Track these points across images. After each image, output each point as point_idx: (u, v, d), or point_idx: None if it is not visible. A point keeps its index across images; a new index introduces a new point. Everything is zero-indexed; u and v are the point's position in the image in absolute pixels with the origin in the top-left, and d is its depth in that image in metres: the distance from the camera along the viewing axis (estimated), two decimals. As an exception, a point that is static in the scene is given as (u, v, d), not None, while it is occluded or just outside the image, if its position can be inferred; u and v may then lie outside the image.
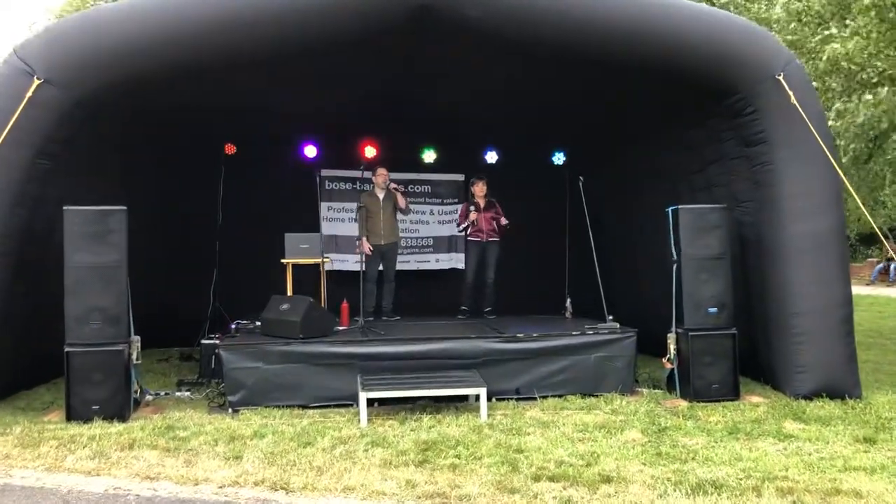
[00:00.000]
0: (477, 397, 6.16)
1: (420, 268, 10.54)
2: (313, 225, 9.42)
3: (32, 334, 6.52)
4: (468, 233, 9.15)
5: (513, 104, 8.48)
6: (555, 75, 7.27)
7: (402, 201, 8.85)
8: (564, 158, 10.14)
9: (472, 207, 9.02)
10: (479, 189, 9.08)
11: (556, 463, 4.81)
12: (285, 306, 6.75)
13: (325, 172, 10.05)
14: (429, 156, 10.05)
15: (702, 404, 6.49)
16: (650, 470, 4.71)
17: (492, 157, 10.11)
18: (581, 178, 8.07)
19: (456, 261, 10.61)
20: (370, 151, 9.59)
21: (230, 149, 9.28)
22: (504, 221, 9.03)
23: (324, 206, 10.09)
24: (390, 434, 5.51)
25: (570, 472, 4.62)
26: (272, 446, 5.19)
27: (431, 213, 10.62)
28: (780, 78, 6.58)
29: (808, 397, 6.49)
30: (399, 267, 9.59)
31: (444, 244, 10.66)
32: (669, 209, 6.95)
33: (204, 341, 7.69)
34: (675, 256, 6.88)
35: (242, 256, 9.58)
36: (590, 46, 6.40)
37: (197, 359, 8.06)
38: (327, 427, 5.74)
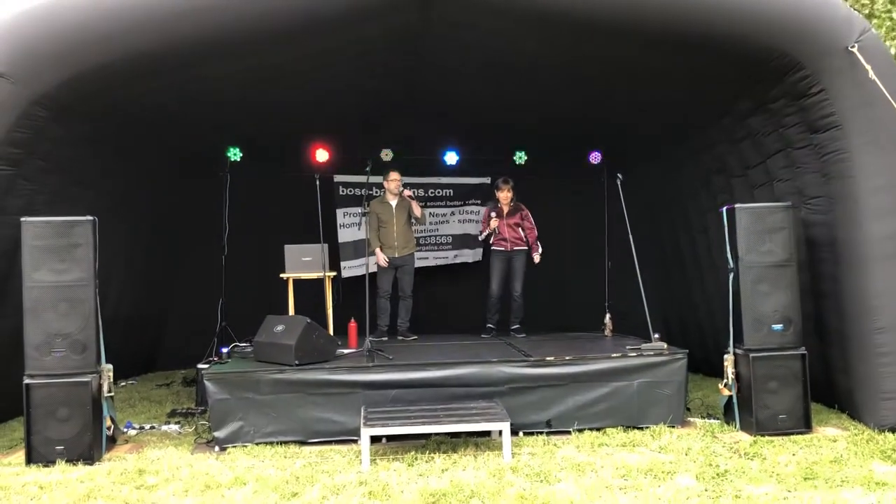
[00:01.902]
0: (500, 432, 5.25)
1: (438, 263, 9.80)
2: (327, 233, 8.67)
3: (6, 360, 5.82)
4: (491, 241, 8.22)
5: (542, 97, 7.57)
6: (588, 56, 6.34)
7: (416, 210, 7.98)
8: (602, 158, 9.16)
9: (493, 213, 8.11)
10: (504, 196, 8.15)
11: (592, 524, 3.88)
12: (280, 328, 5.94)
13: (338, 178, 9.31)
14: (451, 157, 9.17)
15: (767, 439, 5.51)
16: (710, 534, 3.75)
17: (520, 157, 9.20)
18: (619, 175, 7.11)
19: (473, 255, 9.86)
20: (385, 154, 8.76)
21: (233, 154, 8.52)
22: (533, 238, 8.18)
23: (340, 212, 9.40)
24: (394, 481, 4.63)
25: (608, 538, 3.69)
26: (250, 499, 4.35)
27: (452, 213, 9.84)
28: (854, 49, 5.56)
29: (897, 430, 5.47)
30: (418, 264, 8.75)
31: (464, 241, 9.89)
32: (724, 209, 5.98)
33: (200, 366, 6.94)
34: (731, 264, 5.92)
35: (253, 269, 8.86)
36: (624, 11, 5.46)
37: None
38: (322, 471, 4.89)
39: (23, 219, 5.24)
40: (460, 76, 7.24)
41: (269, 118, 7.72)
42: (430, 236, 9.73)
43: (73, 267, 5.25)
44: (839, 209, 5.82)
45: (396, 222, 7.90)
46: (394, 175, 8.01)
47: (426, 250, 9.66)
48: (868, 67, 5.48)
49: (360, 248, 9.31)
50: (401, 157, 8.90)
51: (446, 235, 9.87)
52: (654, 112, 7.42)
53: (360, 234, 9.25)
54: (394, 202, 7.98)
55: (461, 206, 9.82)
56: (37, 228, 5.22)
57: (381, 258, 7.85)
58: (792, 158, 6.27)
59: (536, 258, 8.17)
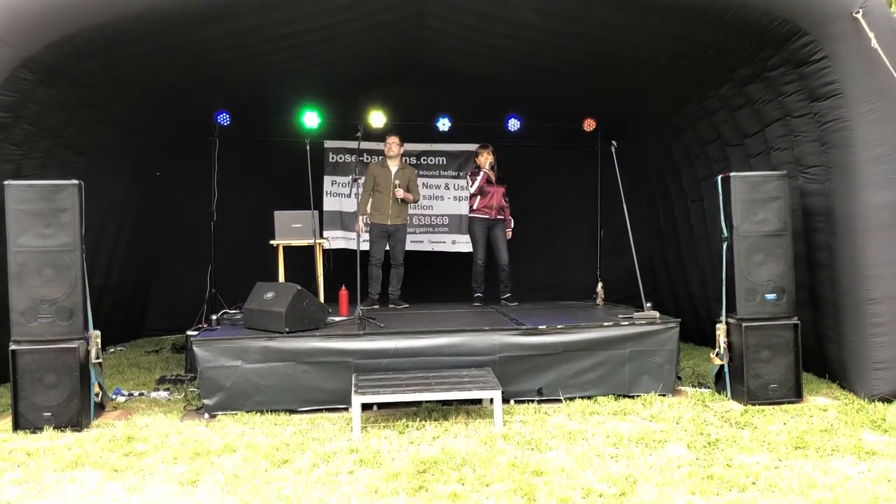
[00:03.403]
0: (491, 400, 5.23)
1: (434, 248, 9.57)
2: (318, 199, 8.58)
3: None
4: (475, 206, 8.06)
5: (538, 64, 7.43)
6: (586, 23, 6.22)
7: (409, 198, 7.87)
8: (596, 125, 9.07)
9: (483, 170, 7.95)
10: (483, 159, 7.98)
11: (583, 492, 3.87)
12: (270, 295, 5.87)
13: (329, 144, 9.17)
14: (444, 124, 9.05)
15: (758, 408, 5.53)
16: (701, 502, 3.74)
17: (514, 124, 9.09)
18: (614, 143, 7.03)
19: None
20: (378, 119, 8.63)
21: (223, 119, 8.40)
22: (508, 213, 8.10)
23: (328, 179, 9.25)
24: (385, 448, 4.61)
25: (599, 506, 3.68)
26: (240, 466, 4.32)
27: (447, 187, 9.62)
28: (858, 16, 5.45)
29: (887, 399, 5.50)
30: (412, 247, 8.68)
31: (461, 224, 9.58)
32: (719, 177, 5.93)
33: (189, 333, 6.89)
34: (725, 233, 5.88)
35: (243, 236, 8.77)
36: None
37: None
38: (312, 438, 4.86)
39: (6, 182, 5.13)
40: (455, 42, 7.10)
41: (261, 82, 7.58)
42: (424, 215, 9.54)
43: (58, 232, 5.15)
44: (837, 178, 5.77)
45: (393, 190, 7.77)
46: (390, 139, 7.83)
47: (420, 232, 9.49)
48: (871, 35, 5.38)
49: (345, 220, 9.21)
50: (393, 122, 8.78)
51: (441, 216, 9.63)
52: (653, 80, 7.30)
53: (346, 205, 9.15)
54: (394, 168, 7.84)
55: (455, 177, 9.63)
56: (21, 192, 5.10)
57: (360, 227, 7.71)
58: (790, 127, 6.19)
59: (509, 233, 8.13)
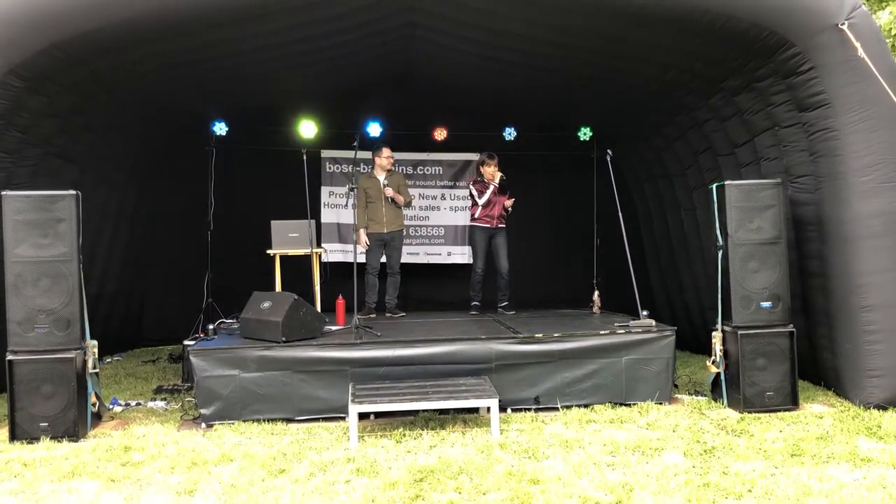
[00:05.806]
0: (488, 409, 5.24)
1: (430, 261, 9.56)
2: (314, 209, 8.60)
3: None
4: (477, 215, 8.06)
5: (532, 74, 7.48)
6: (577, 35, 6.26)
7: (399, 199, 7.89)
8: (591, 134, 9.11)
9: (492, 185, 7.96)
10: (491, 171, 7.97)
11: (580, 500, 3.88)
12: (266, 305, 5.88)
13: (325, 153, 9.20)
14: (440, 133, 9.08)
15: (754, 415, 5.55)
16: (697, 510, 3.77)
17: (510, 133, 9.13)
18: (609, 152, 7.07)
19: (470, 255, 9.60)
20: (374, 129, 8.66)
21: (219, 128, 8.42)
22: (509, 203, 8.00)
23: (325, 190, 9.26)
24: (381, 457, 4.62)
25: (596, 514, 3.69)
26: (237, 476, 4.32)
27: (443, 197, 9.63)
28: (844, 27, 5.51)
29: (882, 407, 5.53)
30: (408, 259, 8.71)
31: (457, 235, 9.59)
32: (714, 186, 5.96)
33: (186, 342, 6.90)
34: (720, 241, 5.91)
35: (240, 245, 8.77)
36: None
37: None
38: (309, 447, 4.87)
39: (3, 192, 5.13)
40: (448, 53, 7.14)
41: (256, 91, 7.60)
42: (420, 227, 9.52)
43: (56, 242, 5.16)
44: (826, 188, 5.81)
45: (385, 198, 7.80)
46: (387, 152, 7.88)
47: (416, 244, 9.48)
48: (857, 45, 5.44)
49: (343, 233, 9.23)
50: (389, 132, 8.82)
51: (437, 227, 9.60)
52: (643, 91, 7.34)
53: (343, 217, 9.16)
54: (382, 177, 7.88)
55: (451, 187, 9.63)
56: (18, 203, 5.11)
57: (363, 240, 7.76)
58: (779, 137, 6.24)
59: (510, 203, 8.01)
